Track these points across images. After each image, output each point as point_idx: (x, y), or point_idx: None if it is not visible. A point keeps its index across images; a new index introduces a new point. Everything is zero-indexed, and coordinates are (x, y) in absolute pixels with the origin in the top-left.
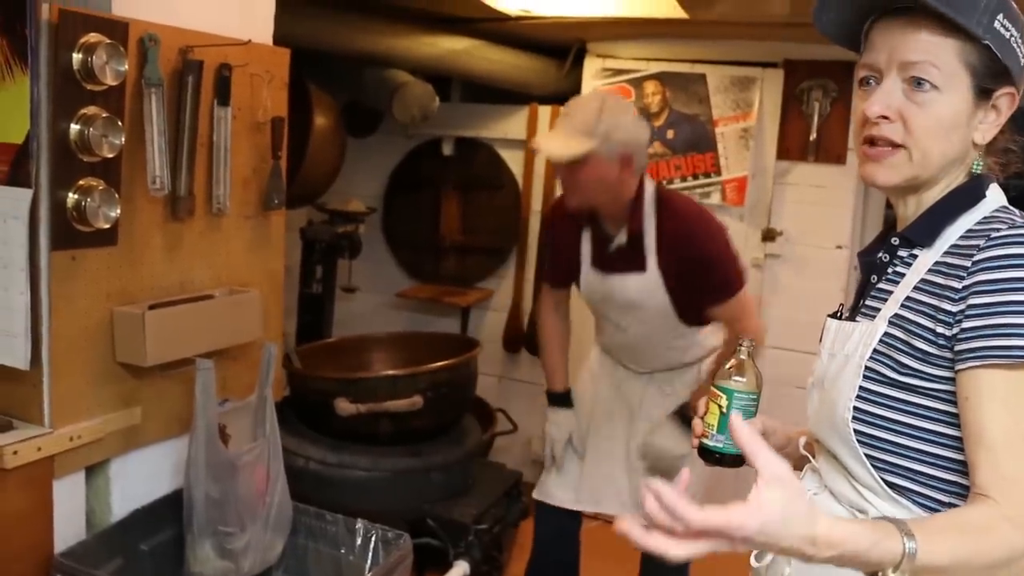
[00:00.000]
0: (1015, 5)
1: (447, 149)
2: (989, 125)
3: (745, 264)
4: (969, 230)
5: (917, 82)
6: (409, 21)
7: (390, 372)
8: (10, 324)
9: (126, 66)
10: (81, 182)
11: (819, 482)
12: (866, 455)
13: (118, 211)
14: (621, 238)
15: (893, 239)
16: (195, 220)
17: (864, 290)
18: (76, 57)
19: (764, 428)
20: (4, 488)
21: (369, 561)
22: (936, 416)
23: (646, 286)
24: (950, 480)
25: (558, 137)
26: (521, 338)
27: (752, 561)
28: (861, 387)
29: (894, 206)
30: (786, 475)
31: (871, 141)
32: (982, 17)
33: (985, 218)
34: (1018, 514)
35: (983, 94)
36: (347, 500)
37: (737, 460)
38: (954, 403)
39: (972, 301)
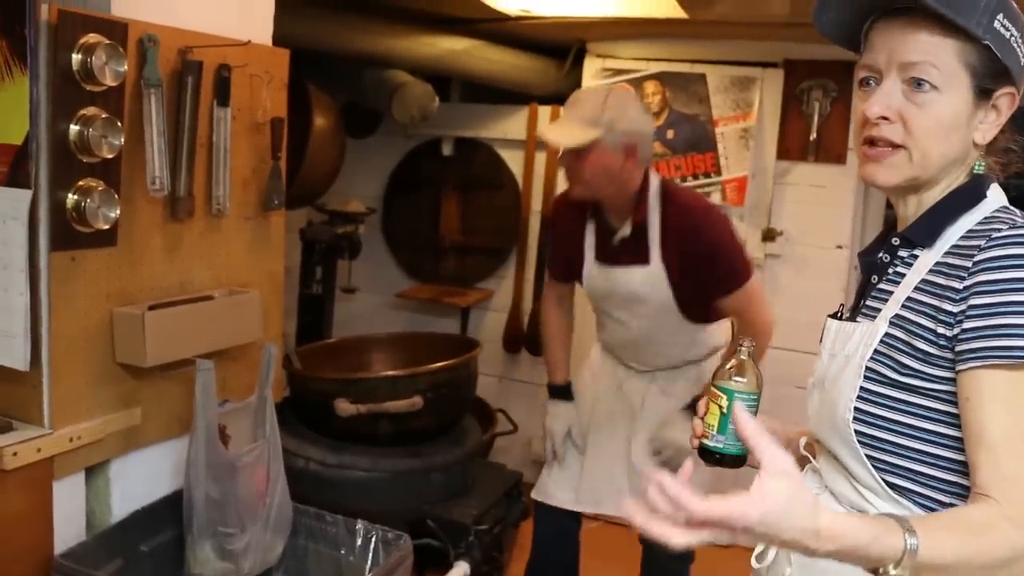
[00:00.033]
0: (1015, 5)
1: (447, 149)
2: (989, 125)
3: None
4: (970, 230)
5: (917, 83)
6: (409, 21)
7: (390, 373)
8: (10, 325)
9: (125, 67)
10: (81, 183)
11: (820, 482)
12: (867, 455)
13: (118, 212)
14: (625, 230)
15: (894, 239)
16: (195, 221)
17: (864, 290)
18: (75, 58)
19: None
20: (4, 489)
21: (369, 562)
22: (937, 417)
23: (649, 279)
24: (950, 481)
25: (564, 126)
26: (521, 338)
27: (753, 562)
28: (862, 388)
29: (894, 206)
30: (791, 468)
31: (871, 141)
32: (982, 17)
33: (986, 218)
34: (1019, 514)
35: (983, 94)
36: (347, 501)
37: (737, 460)
38: (955, 404)
39: (973, 302)
